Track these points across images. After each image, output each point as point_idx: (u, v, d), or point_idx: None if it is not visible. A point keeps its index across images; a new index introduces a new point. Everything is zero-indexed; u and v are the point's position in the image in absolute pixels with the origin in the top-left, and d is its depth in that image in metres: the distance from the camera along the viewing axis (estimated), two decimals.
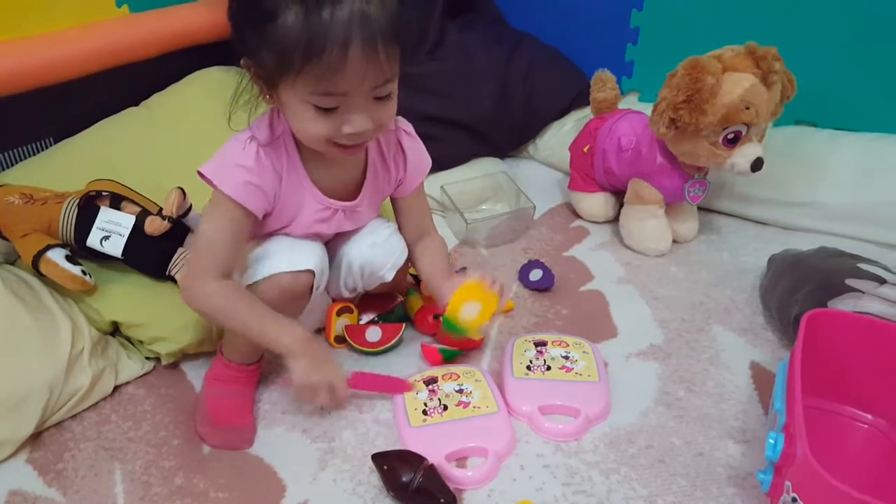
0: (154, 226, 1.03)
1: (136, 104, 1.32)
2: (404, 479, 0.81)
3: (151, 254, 1.04)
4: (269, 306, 0.89)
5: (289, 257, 0.90)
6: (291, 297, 0.91)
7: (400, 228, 1.05)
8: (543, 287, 1.20)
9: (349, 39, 0.71)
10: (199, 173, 0.85)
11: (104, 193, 1.06)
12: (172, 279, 1.04)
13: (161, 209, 1.05)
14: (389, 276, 1.03)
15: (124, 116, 1.29)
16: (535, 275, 1.21)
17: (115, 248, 1.01)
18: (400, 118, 0.96)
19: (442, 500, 0.81)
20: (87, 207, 1.03)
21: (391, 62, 0.75)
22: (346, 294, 1.07)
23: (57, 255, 0.98)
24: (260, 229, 0.93)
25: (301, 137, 0.84)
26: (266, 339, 0.87)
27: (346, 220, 0.97)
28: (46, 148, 1.25)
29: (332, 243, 1.02)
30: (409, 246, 1.04)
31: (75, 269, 0.99)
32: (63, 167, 1.18)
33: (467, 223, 1.30)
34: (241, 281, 0.91)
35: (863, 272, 1.01)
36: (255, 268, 0.91)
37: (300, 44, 0.71)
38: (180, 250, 1.06)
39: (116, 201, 1.06)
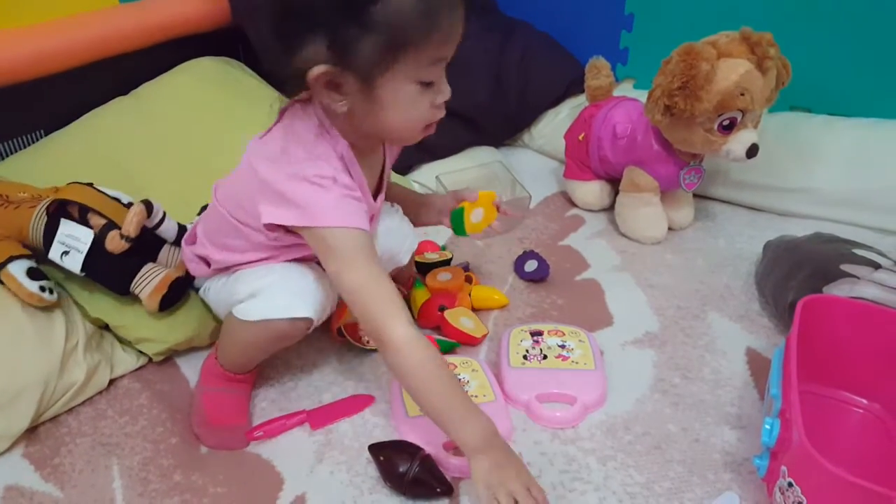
0: (113, 244, 0.96)
1: (126, 94, 1.31)
2: (401, 469, 0.81)
3: (113, 271, 0.99)
4: (257, 346, 0.88)
5: (287, 300, 0.84)
6: (284, 341, 0.90)
7: None
8: (538, 278, 1.20)
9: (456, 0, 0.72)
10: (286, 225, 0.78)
11: (73, 203, 1.00)
12: (136, 297, 1.00)
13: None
14: (406, 259, 1.04)
15: (113, 106, 1.28)
16: (531, 265, 1.21)
17: (73, 264, 0.96)
18: None
19: (439, 490, 0.81)
20: (54, 217, 0.98)
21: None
22: None
23: (17, 269, 0.94)
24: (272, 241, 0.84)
25: (400, 128, 0.78)
26: (453, 426, 0.77)
27: (375, 215, 0.91)
28: (37, 140, 1.24)
29: None
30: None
31: (32, 286, 0.94)
32: (53, 159, 1.17)
33: None
34: (231, 314, 0.88)
35: (858, 258, 1.01)
36: (247, 304, 0.85)
37: (416, 13, 0.69)
38: (148, 266, 1.00)
39: (84, 212, 0.99)
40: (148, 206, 1.00)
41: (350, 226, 0.77)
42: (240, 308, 0.86)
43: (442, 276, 1.15)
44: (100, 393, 0.99)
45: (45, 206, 0.99)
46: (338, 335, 1.06)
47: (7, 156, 1.21)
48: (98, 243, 0.97)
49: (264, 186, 0.78)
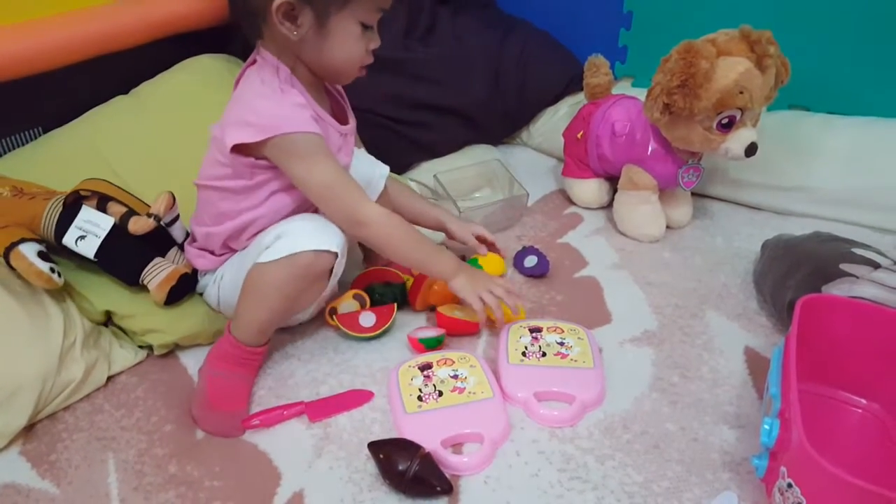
0: (139, 224, 1.00)
1: (126, 93, 1.31)
2: (400, 467, 0.81)
3: (126, 258, 1.02)
4: (283, 290, 0.90)
5: (312, 236, 0.90)
6: (309, 279, 0.92)
7: None
8: (539, 273, 1.20)
9: None
10: (236, 145, 0.88)
11: (92, 193, 1.04)
12: (144, 288, 1.03)
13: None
14: (381, 185, 1.09)
15: (113, 105, 1.27)
16: (531, 261, 1.21)
17: (88, 248, 0.99)
18: None
19: (438, 489, 0.81)
20: (72, 206, 1.01)
21: None
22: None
23: (28, 250, 0.96)
24: (276, 178, 0.93)
25: (339, 62, 0.91)
26: (428, 261, 0.97)
27: (348, 147, 1.00)
28: (35, 138, 1.23)
29: None
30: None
31: (44, 266, 0.95)
32: (52, 157, 1.17)
33: (460, 211, 1.29)
34: (253, 268, 0.91)
35: (857, 257, 1.01)
36: (273, 246, 0.90)
37: None
38: (158, 259, 1.04)
39: (103, 202, 1.03)
40: (172, 196, 1.04)
41: (307, 130, 0.87)
42: (266, 252, 0.90)
43: None
44: (97, 389, 0.99)
45: (62, 198, 1.02)
46: (329, 318, 1.06)
47: (4, 153, 1.20)
48: (116, 232, 1.00)
49: (226, 124, 0.90)
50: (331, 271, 0.94)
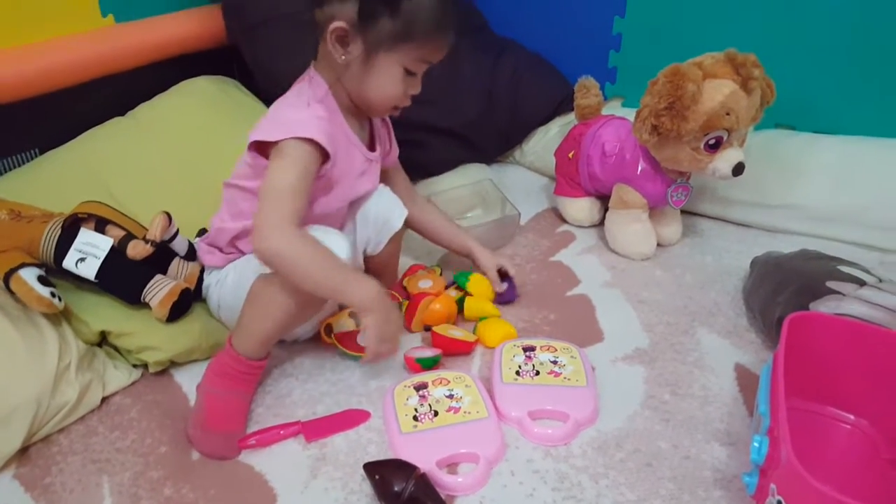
0: (136, 250, 1.02)
1: (123, 114, 1.32)
2: (396, 488, 0.81)
3: (127, 278, 1.04)
4: (287, 302, 0.91)
5: (322, 238, 0.90)
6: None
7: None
8: (505, 301, 1.20)
9: (450, 26, 0.93)
10: (257, 142, 0.92)
11: (89, 216, 1.05)
12: (147, 305, 1.04)
13: (146, 233, 1.05)
14: (399, 224, 1.10)
15: (110, 126, 1.28)
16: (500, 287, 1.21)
17: (89, 270, 1.00)
18: None
19: None
20: (71, 229, 1.02)
21: None
22: (361, 255, 1.11)
23: (29, 275, 0.96)
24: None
25: (375, 97, 0.96)
26: (342, 289, 0.89)
27: (373, 173, 1.06)
28: (32, 159, 1.24)
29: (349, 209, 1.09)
30: (413, 210, 1.15)
31: (44, 291, 0.96)
32: (49, 179, 1.18)
33: None
34: (260, 274, 0.93)
35: (843, 274, 1.02)
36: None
37: (431, 21, 0.90)
38: (158, 276, 1.05)
39: (101, 224, 1.05)
40: (168, 216, 1.06)
41: (307, 136, 0.89)
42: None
43: (423, 283, 1.17)
44: (91, 410, 0.99)
45: (60, 221, 1.03)
46: (325, 335, 1.07)
47: (2, 174, 1.21)
48: (115, 253, 1.02)
49: (256, 125, 0.95)
50: None
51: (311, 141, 0.89)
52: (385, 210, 1.09)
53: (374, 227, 1.09)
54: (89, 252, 1.01)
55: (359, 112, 1.02)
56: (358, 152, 1.02)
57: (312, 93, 0.96)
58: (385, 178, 1.13)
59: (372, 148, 1.06)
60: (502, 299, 1.20)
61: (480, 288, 1.17)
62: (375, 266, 1.15)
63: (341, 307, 1.10)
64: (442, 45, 0.95)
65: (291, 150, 0.90)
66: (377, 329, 0.89)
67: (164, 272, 1.09)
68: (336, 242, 0.91)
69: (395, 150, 1.15)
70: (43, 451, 0.93)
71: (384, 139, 1.12)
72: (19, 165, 1.23)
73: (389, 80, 0.94)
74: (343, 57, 0.93)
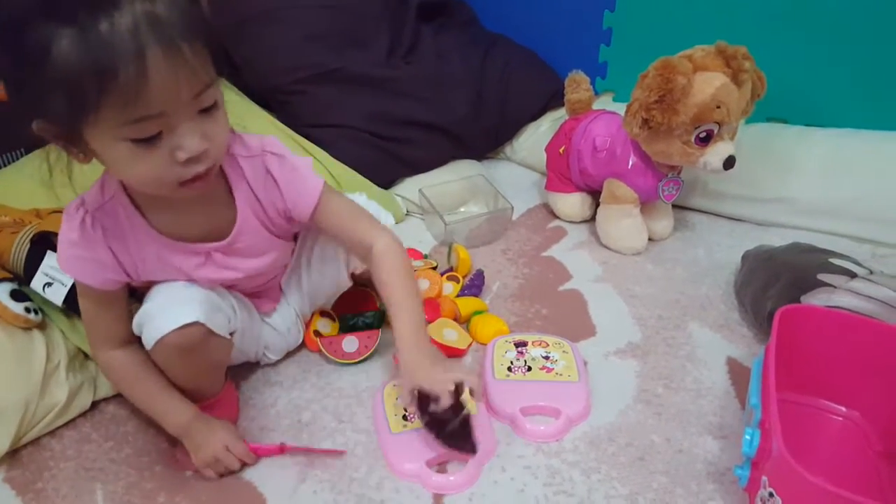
0: None
1: None
2: (444, 417, 0.82)
3: None
4: (180, 371, 0.86)
5: (167, 315, 0.81)
6: (193, 354, 0.83)
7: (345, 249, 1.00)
8: (470, 294, 1.19)
9: (143, 47, 0.61)
10: None
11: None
12: None
13: None
14: (347, 284, 1.04)
15: None
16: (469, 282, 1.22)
17: (56, 296, 0.96)
18: (267, 138, 0.87)
19: (467, 449, 0.84)
20: (39, 245, 0.97)
21: (204, 65, 0.67)
22: (347, 275, 1.05)
23: (1, 292, 0.94)
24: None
25: (136, 186, 0.75)
26: (159, 419, 0.89)
27: (229, 258, 0.87)
28: (16, 160, 1.23)
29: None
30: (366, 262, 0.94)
31: (17, 308, 0.94)
32: (34, 180, 1.16)
33: (446, 225, 1.30)
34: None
35: (834, 267, 1.02)
36: (144, 336, 0.83)
37: (86, 70, 0.60)
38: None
39: None
40: None
41: (73, 277, 0.83)
42: (144, 340, 0.84)
43: (421, 285, 1.16)
44: (83, 416, 0.98)
45: (28, 235, 0.99)
46: (313, 337, 1.06)
47: None
48: None
49: None
50: (208, 336, 0.84)
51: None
52: (323, 284, 1.03)
53: (311, 297, 1.04)
54: (56, 278, 0.96)
55: (173, 195, 0.75)
56: (169, 251, 0.83)
57: (98, 194, 0.79)
58: (323, 233, 0.95)
59: (224, 235, 0.85)
60: (464, 292, 1.19)
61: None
62: (362, 277, 1.08)
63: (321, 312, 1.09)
64: (135, 90, 0.62)
65: (77, 283, 0.84)
66: (195, 457, 0.87)
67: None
68: (182, 303, 0.82)
69: (304, 202, 0.87)
70: (35, 456, 0.92)
71: (261, 211, 0.86)
72: (4, 165, 1.22)
73: (127, 161, 0.69)
74: (82, 157, 0.72)
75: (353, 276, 1.07)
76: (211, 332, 0.84)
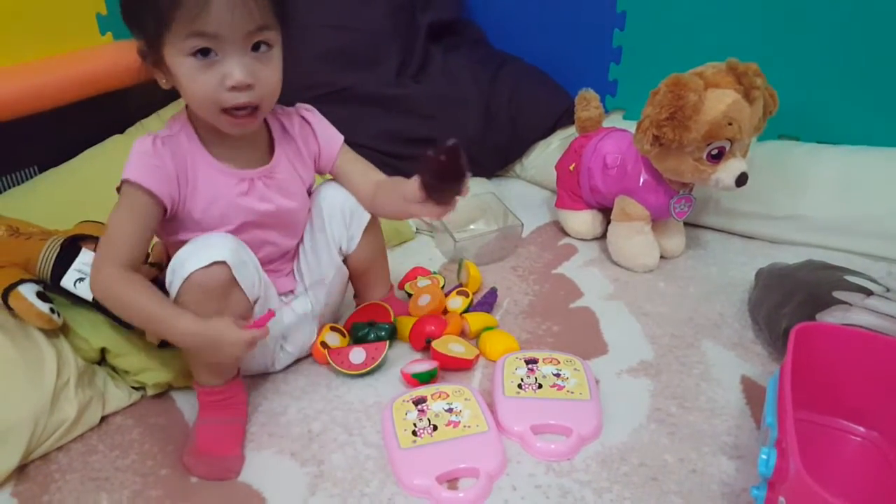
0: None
1: (121, 132, 1.32)
2: (431, 153, 0.85)
3: None
4: (198, 313, 0.87)
5: (197, 255, 0.87)
6: (212, 295, 0.87)
7: (355, 196, 1.05)
8: (482, 309, 1.19)
9: None
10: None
11: (90, 237, 1.04)
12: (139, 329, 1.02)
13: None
14: (368, 216, 1.05)
15: (109, 145, 1.29)
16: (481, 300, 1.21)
17: (87, 291, 0.98)
18: (301, 104, 1.02)
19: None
20: (70, 248, 1.01)
21: (261, 8, 0.80)
22: (339, 255, 1.06)
23: (28, 291, 0.96)
24: (183, 229, 0.92)
25: (193, 104, 0.86)
26: (162, 330, 0.88)
27: (268, 189, 0.95)
28: (31, 178, 1.24)
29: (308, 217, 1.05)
30: (370, 201, 1.03)
31: (44, 307, 0.96)
32: (48, 198, 1.18)
33: (455, 242, 1.30)
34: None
35: (850, 284, 1.01)
36: (172, 280, 0.88)
37: None
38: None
39: None
40: None
41: (135, 180, 0.86)
42: (171, 291, 0.88)
43: (422, 300, 1.15)
44: (91, 429, 0.98)
45: (59, 240, 1.02)
46: (321, 348, 1.06)
47: (1, 192, 1.21)
48: None
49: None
50: (231, 281, 0.89)
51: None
52: (353, 202, 1.04)
53: (341, 221, 1.04)
54: (88, 273, 0.98)
55: (216, 128, 0.89)
56: (222, 175, 0.92)
57: (167, 128, 0.91)
58: (341, 180, 1.05)
59: (265, 162, 0.96)
60: (476, 308, 1.19)
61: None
62: (359, 267, 1.10)
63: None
64: (199, 4, 0.77)
65: (122, 192, 0.88)
66: (215, 355, 0.88)
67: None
68: (211, 247, 0.87)
69: (332, 146, 1.02)
70: (41, 469, 0.92)
71: (296, 151, 1.00)
72: (19, 183, 1.23)
73: (189, 77, 0.82)
74: (164, 80, 0.85)
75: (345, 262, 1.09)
76: (234, 282, 0.89)
